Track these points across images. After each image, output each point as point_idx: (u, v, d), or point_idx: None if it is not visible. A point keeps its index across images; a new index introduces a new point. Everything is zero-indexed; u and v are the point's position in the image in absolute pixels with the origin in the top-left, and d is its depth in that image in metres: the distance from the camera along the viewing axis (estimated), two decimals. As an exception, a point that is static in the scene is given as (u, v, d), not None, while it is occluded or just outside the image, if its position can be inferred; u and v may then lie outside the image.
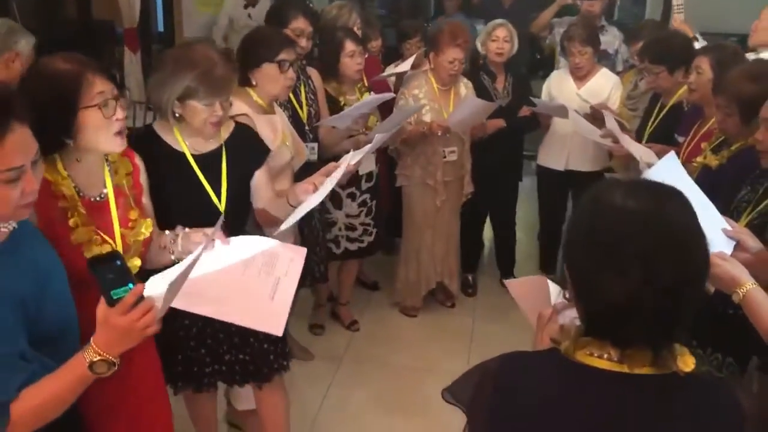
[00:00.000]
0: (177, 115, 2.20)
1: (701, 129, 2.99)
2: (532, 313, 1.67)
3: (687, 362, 1.14)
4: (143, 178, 2.11)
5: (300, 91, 3.38)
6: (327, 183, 2.24)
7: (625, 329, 1.12)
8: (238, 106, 2.55)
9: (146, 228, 2.00)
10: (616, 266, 1.10)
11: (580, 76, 4.19)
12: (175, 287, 1.54)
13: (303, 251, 1.85)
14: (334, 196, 3.69)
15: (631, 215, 1.12)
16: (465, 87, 4.02)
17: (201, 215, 2.09)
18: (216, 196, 2.28)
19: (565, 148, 4.24)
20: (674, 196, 1.17)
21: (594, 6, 4.81)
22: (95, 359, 1.43)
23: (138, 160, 2.11)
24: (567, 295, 1.21)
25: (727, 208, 2.21)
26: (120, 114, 1.86)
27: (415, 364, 3.77)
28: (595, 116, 3.84)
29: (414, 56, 4.09)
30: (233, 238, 1.93)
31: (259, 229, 2.55)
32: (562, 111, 3.91)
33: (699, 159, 2.78)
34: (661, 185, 1.19)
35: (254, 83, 2.78)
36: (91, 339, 1.44)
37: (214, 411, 2.81)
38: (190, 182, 2.27)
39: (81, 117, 1.80)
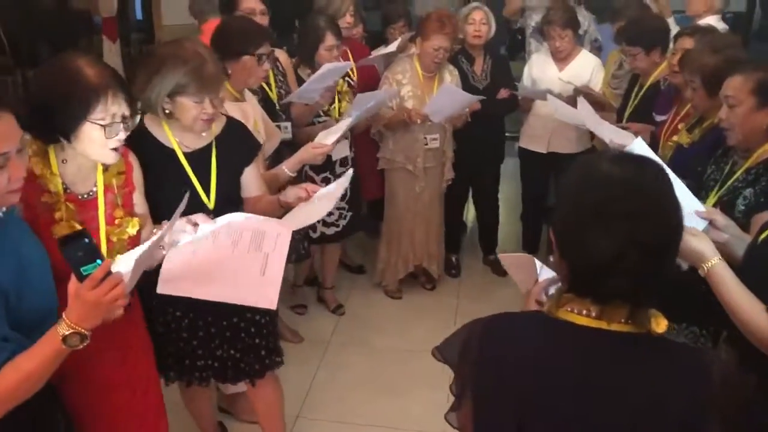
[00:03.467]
0: (167, 111, 2.19)
1: (681, 109, 3.04)
2: (522, 284, 1.84)
3: (660, 324, 1.22)
4: (137, 177, 2.11)
5: (269, 74, 3.37)
6: (324, 194, 2.23)
7: (607, 285, 1.20)
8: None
9: (132, 227, 2.03)
10: (602, 225, 1.18)
11: (561, 58, 4.21)
12: (140, 263, 1.60)
13: (290, 226, 1.87)
14: (308, 181, 3.69)
15: (617, 179, 1.22)
16: (450, 74, 4.02)
17: (190, 212, 2.04)
18: (205, 192, 2.27)
19: (547, 131, 4.26)
20: (653, 165, 1.27)
21: None
22: (68, 332, 1.48)
23: (132, 158, 2.11)
24: (552, 258, 1.29)
25: (697, 186, 2.26)
26: (122, 136, 1.90)
27: (400, 345, 3.82)
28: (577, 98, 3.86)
29: (399, 39, 4.09)
30: (219, 218, 1.94)
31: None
32: (544, 95, 3.94)
33: (674, 138, 2.85)
34: (642, 156, 1.29)
35: (229, 72, 2.74)
36: (63, 314, 1.50)
37: (209, 402, 2.82)
38: (179, 179, 2.25)
39: (84, 127, 1.84)
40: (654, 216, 1.19)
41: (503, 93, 4.20)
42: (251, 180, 2.42)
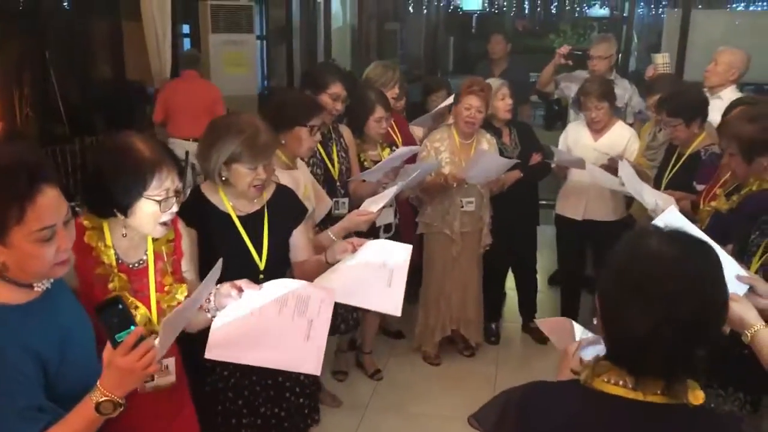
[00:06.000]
0: (223, 178, 2.34)
1: (722, 176, 3.06)
2: (560, 345, 1.87)
3: (697, 396, 1.23)
4: (185, 245, 2.15)
5: (332, 149, 3.49)
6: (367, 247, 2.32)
7: (643, 359, 1.23)
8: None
9: (181, 293, 2.04)
10: (642, 303, 1.22)
11: (597, 129, 4.26)
12: (171, 327, 1.61)
13: (333, 292, 1.91)
14: None
15: (662, 260, 1.24)
16: (488, 143, 4.10)
17: (242, 273, 2.07)
18: (257, 254, 2.41)
19: (583, 198, 4.28)
20: (702, 246, 1.30)
21: (597, 65, 4.98)
22: (101, 400, 1.49)
23: (181, 227, 2.15)
24: (595, 321, 1.32)
25: (740, 251, 2.27)
26: (174, 209, 1.96)
27: (438, 412, 3.78)
28: (612, 167, 3.89)
29: (453, 96, 4.17)
30: (265, 284, 1.99)
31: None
32: (580, 163, 4.00)
33: (712, 204, 2.86)
34: (693, 237, 1.33)
35: (282, 142, 2.84)
36: (98, 381, 1.51)
37: None
38: (234, 241, 2.39)
39: (140, 202, 1.90)
40: (694, 298, 1.21)
41: (535, 158, 4.27)
42: (299, 242, 2.55)
